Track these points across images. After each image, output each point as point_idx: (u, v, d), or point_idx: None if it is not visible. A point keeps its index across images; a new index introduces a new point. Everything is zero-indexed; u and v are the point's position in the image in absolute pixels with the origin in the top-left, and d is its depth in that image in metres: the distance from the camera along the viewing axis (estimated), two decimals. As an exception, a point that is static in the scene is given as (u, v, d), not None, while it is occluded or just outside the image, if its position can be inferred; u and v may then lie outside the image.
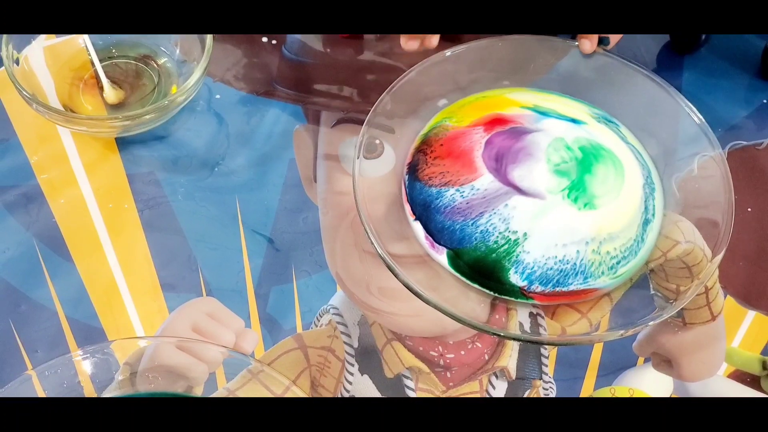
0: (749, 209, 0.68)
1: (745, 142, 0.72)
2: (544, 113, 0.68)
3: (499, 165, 0.65)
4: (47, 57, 0.73)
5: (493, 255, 0.63)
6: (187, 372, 0.61)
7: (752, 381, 0.63)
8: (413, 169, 0.67)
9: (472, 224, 0.63)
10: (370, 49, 0.76)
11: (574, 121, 0.68)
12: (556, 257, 0.62)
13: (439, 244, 0.63)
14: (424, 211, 0.65)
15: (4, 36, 0.69)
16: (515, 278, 0.62)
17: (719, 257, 0.62)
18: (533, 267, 0.62)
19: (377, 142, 0.68)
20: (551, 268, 0.62)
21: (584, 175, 0.65)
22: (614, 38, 0.70)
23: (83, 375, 0.61)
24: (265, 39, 0.76)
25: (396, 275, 0.61)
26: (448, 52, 0.70)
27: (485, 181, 0.65)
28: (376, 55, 0.76)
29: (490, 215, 0.63)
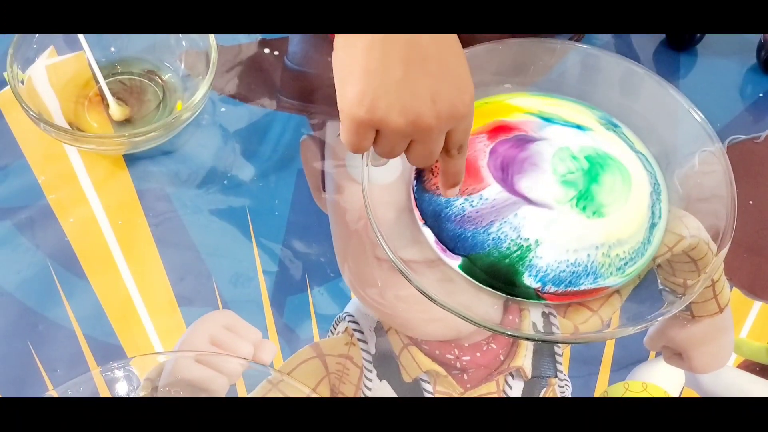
0: (750, 202, 0.70)
1: (743, 136, 0.73)
2: (549, 119, 0.70)
3: (505, 175, 0.67)
4: (51, 76, 0.73)
5: (507, 260, 0.64)
6: (208, 385, 0.62)
7: (761, 370, 0.65)
8: (420, 178, 0.68)
9: (483, 232, 0.65)
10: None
11: (579, 127, 0.70)
12: (568, 260, 0.64)
13: (454, 252, 0.64)
14: (435, 219, 0.66)
15: (9, 56, 0.69)
16: (529, 281, 0.63)
17: (725, 250, 0.63)
18: (546, 270, 0.63)
19: (384, 149, 0.69)
20: (564, 271, 0.63)
21: (591, 185, 0.66)
22: None
23: (104, 392, 0.61)
24: (267, 50, 0.77)
25: (409, 280, 0.62)
26: (450, 58, 0.71)
27: (493, 191, 0.66)
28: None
29: (501, 224, 0.65)
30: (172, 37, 0.73)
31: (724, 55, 0.78)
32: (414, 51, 0.52)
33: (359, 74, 0.53)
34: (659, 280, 0.65)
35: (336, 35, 0.57)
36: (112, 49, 0.74)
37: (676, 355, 0.65)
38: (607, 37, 0.78)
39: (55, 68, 0.73)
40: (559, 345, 0.65)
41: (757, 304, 0.67)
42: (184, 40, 0.73)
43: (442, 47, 0.54)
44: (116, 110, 0.72)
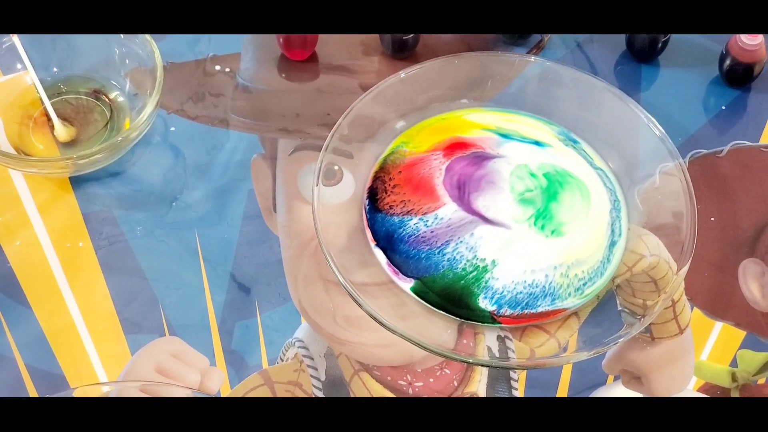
0: (712, 218, 0.68)
1: (705, 150, 0.71)
2: (506, 136, 0.68)
3: (461, 193, 0.65)
4: (-5, 96, 0.71)
5: (462, 282, 0.62)
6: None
7: (722, 394, 0.63)
8: (373, 197, 0.66)
9: (438, 252, 0.63)
10: (325, 72, 0.75)
11: (537, 143, 0.68)
12: (525, 281, 0.62)
13: (406, 275, 0.63)
14: (388, 240, 0.64)
15: (-51, 78, 0.68)
16: (485, 303, 0.61)
17: (685, 269, 0.61)
18: (503, 292, 0.62)
19: (336, 168, 0.67)
20: (521, 292, 0.62)
21: (550, 203, 0.65)
22: None
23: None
24: (218, 67, 0.75)
25: (359, 304, 0.60)
26: (402, 74, 0.69)
27: (449, 210, 0.64)
28: (332, 79, 0.75)
29: (457, 244, 0.63)
30: (117, 55, 0.71)
31: (686, 67, 0.76)
32: None
33: None
34: (618, 301, 0.63)
35: None
36: (55, 69, 0.72)
37: (635, 379, 0.63)
38: (566, 50, 0.77)
39: (0, 88, 0.72)
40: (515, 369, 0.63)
41: (719, 325, 0.65)
42: (129, 58, 0.71)
43: None
44: (62, 131, 0.70)
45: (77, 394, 0.60)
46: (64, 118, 0.71)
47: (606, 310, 0.63)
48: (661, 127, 0.67)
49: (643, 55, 0.76)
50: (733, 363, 0.64)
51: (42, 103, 0.70)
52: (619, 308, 0.63)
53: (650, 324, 0.63)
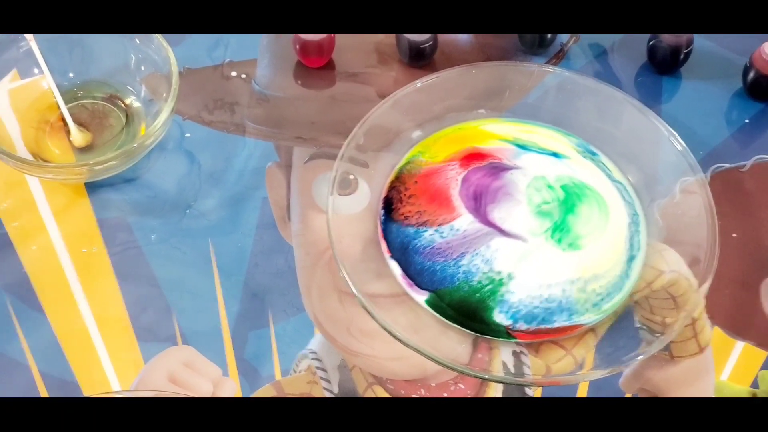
0: (734, 234, 0.67)
1: (728, 165, 0.70)
2: (524, 147, 0.67)
3: (478, 204, 0.64)
4: (12, 100, 0.71)
5: (477, 295, 0.61)
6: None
7: (742, 414, 0.62)
8: (388, 208, 0.65)
9: (453, 264, 0.62)
10: (342, 80, 0.75)
11: (555, 155, 0.67)
12: (541, 296, 0.61)
13: (420, 287, 0.62)
14: (402, 252, 0.63)
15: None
16: (500, 318, 0.61)
17: (705, 286, 0.60)
18: (518, 306, 0.61)
19: (351, 177, 0.66)
20: (537, 307, 0.61)
21: (567, 216, 0.64)
22: None
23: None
24: (234, 73, 0.75)
25: (373, 316, 0.60)
26: (418, 83, 0.68)
27: (465, 221, 0.63)
28: (348, 87, 0.74)
29: (473, 256, 0.62)
30: (133, 61, 0.71)
31: (708, 79, 0.75)
32: None
33: None
34: (636, 318, 0.62)
35: None
36: (71, 74, 0.72)
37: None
38: (585, 60, 0.76)
39: (17, 92, 0.71)
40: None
41: (740, 344, 0.64)
42: (144, 64, 0.70)
43: None
44: (78, 136, 0.70)
45: (89, 402, 0.60)
46: (80, 123, 0.71)
47: (624, 327, 0.62)
48: (682, 141, 0.66)
49: (664, 67, 0.75)
50: (754, 384, 0.62)
51: (58, 107, 0.70)
52: (638, 325, 0.62)
53: (669, 342, 0.61)
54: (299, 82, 0.75)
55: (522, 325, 0.61)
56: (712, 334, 0.64)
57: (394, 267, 0.63)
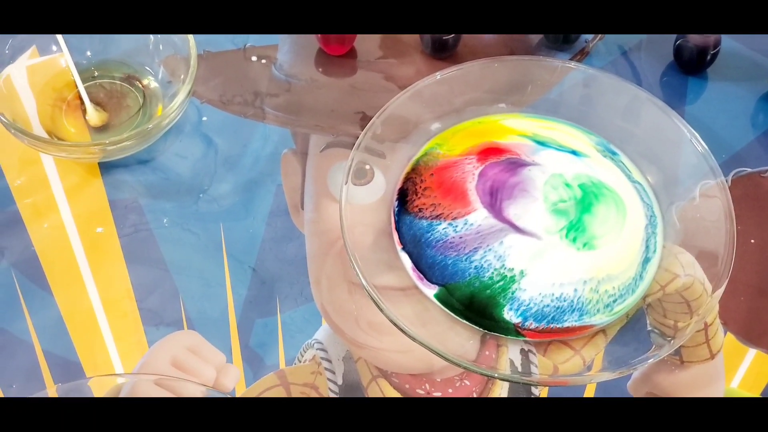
0: (752, 240, 0.66)
1: (750, 169, 0.69)
2: (543, 143, 0.66)
3: (493, 200, 0.63)
4: (30, 77, 0.71)
5: (488, 291, 0.60)
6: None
7: (753, 424, 0.60)
8: (403, 199, 0.64)
9: (465, 259, 0.61)
10: (363, 68, 0.74)
11: (574, 153, 0.66)
12: (553, 295, 0.60)
13: (430, 281, 0.61)
14: (415, 244, 0.62)
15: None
16: (510, 315, 0.60)
17: (720, 292, 0.59)
18: (529, 304, 0.60)
19: (367, 167, 0.66)
20: (547, 306, 0.60)
21: (583, 215, 0.63)
22: None
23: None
24: (254, 58, 0.74)
25: (381, 309, 0.59)
26: (438, 75, 0.67)
27: (479, 216, 0.63)
28: (369, 76, 0.73)
29: (485, 252, 0.61)
30: (151, 42, 0.71)
31: (734, 81, 0.73)
32: None
33: None
34: (648, 321, 0.61)
35: None
36: (90, 53, 0.72)
37: (662, 403, 0.61)
38: (610, 58, 0.74)
39: (35, 69, 0.71)
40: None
41: (752, 352, 0.62)
42: (164, 45, 0.70)
43: None
44: (94, 115, 0.70)
45: (92, 384, 0.59)
46: (96, 102, 0.70)
47: (635, 330, 0.61)
48: (704, 143, 0.64)
49: (690, 67, 0.73)
50: (765, 392, 0.61)
51: (76, 86, 0.70)
52: (649, 328, 0.60)
53: (680, 347, 0.61)
54: (320, 69, 0.74)
55: (531, 324, 0.60)
56: (725, 340, 0.62)
57: (405, 259, 0.62)
